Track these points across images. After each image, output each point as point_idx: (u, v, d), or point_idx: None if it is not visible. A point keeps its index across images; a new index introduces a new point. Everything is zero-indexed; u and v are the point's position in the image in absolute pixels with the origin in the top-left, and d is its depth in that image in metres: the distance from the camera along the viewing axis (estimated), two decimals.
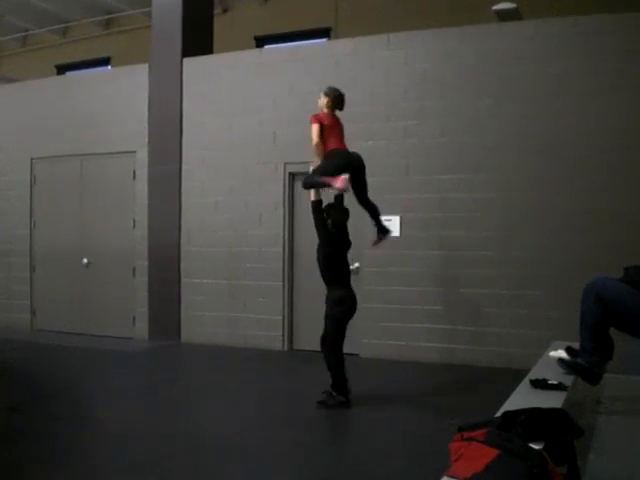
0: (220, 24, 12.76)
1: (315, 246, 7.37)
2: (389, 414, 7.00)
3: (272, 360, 9.85)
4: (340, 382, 7.12)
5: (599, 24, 8.74)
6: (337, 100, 7.43)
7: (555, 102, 8.90)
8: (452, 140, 9.37)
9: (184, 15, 11.20)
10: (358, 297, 9.62)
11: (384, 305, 9.66)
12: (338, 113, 7.47)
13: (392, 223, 9.45)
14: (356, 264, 9.81)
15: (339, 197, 7.45)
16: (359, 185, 7.38)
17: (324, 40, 14.68)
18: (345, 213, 7.35)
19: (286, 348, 10.37)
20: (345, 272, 7.32)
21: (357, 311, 9.65)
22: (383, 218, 7.78)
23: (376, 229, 7.71)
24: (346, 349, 9.30)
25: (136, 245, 11.52)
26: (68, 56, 18.25)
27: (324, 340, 7.28)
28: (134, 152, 11.55)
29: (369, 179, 9.40)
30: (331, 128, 7.32)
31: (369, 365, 9.36)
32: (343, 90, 7.43)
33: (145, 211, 11.42)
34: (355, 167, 7.27)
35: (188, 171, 11.15)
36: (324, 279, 7.31)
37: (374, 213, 7.60)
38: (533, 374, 5.01)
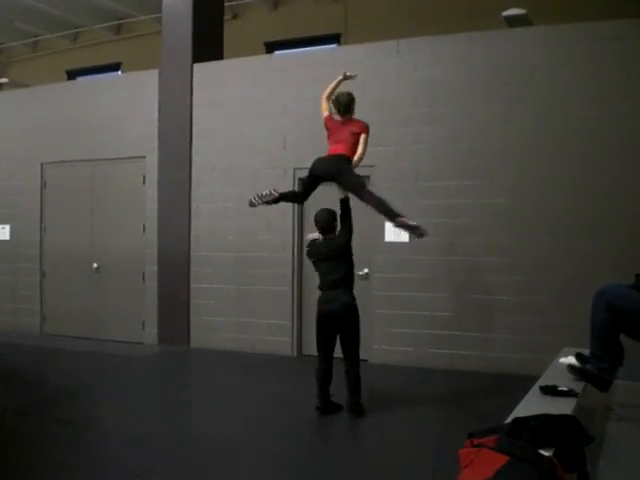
0: (230, 30, 12.79)
1: None
2: (397, 420, 6.99)
3: (281, 365, 9.85)
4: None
5: (608, 30, 8.73)
6: (334, 104, 7.42)
7: (564, 108, 8.89)
8: (461, 146, 9.36)
9: (194, 21, 11.23)
10: (368, 303, 9.67)
11: (393, 311, 9.65)
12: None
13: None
14: (365, 270, 9.83)
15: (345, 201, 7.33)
16: (341, 187, 7.27)
17: (334, 46, 14.71)
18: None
19: (295, 353, 10.37)
20: None
21: (367, 317, 9.68)
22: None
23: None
24: None
25: (146, 250, 11.54)
26: (78, 61, 18.33)
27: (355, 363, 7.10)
28: (144, 157, 11.57)
29: (380, 184, 9.44)
30: (330, 133, 7.35)
31: (378, 371, 9.34)
32: (353, 95, 7.40)
33: (155, 216, 11.45)
34: (319, 175, 7.25)
35: (198, 176, 11.17)
36: (349, 281, 7.15)
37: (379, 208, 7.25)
38: (543, 380, 5.00)
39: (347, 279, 7.14)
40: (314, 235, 7.46)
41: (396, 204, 9.01)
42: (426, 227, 9.36)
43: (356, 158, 7.15)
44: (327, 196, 7.62)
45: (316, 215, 7.44)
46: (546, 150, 8.96)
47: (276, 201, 7.37)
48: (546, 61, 9.01)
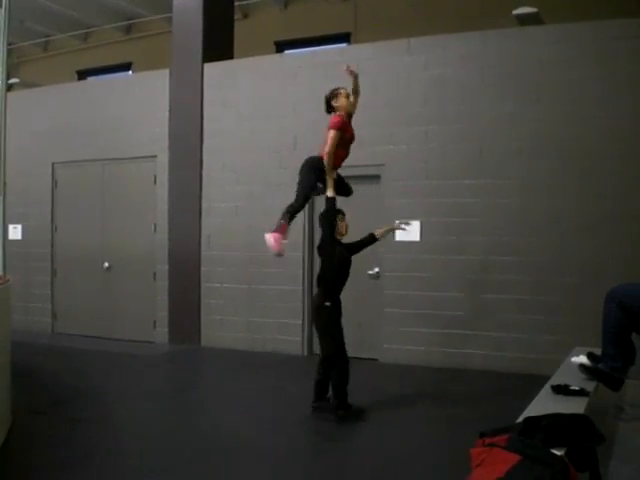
0: (240, 29, 12.81)
1: None
2: (407, 419, 6.99)
3: (291, 364, 9.85)
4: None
5: (619, 29, 8.69)
6: None
7: (575, 106, 8.86)
8: (472, 145, 9.35)
9: (205, 20, 11.26)
10: (378, 302, 9.67)
11: (404, 310, 9.64)
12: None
13: (412, 227, 9.44)
14: (376, 269, 9.84)
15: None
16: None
17: (344, 45, 14.69)
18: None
19: (305, 353, 10.37)
20: None
21: (377, 316, 9.67)
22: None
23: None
24: (365, 354, 9.32)
25: (157, 249, 11.57)
26: (89, 61, 18.35)
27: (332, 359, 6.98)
28: (155, 157, 11.61)
29: (390, 183, 9.47)
30: None
31: (388, 370, 9.36)
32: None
33: (166, 215, 11.48)
34: None
35: (208, 176, 11.19)
36: (335, 287, 7.04)
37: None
38: (555, 380, 4.99)
39: (320, 279, 7.06)
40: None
41: (406, 202, 9.08)
42: (436, 226, 9.43)
43: (324, 157, 7.00)
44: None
45: None
46: (556, 149, 8.93)
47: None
48: (557, 60, 8.99)
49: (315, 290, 7.26)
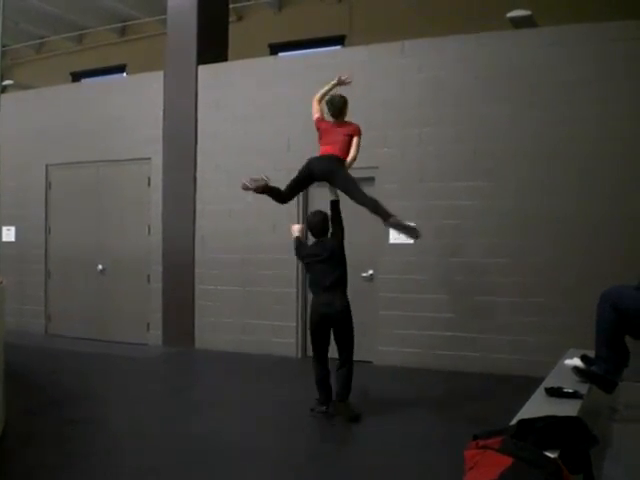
0: (235, 32, 12.79)
1: None
2: (403, 423, 6.97)
3: (286, 367, 9.84)
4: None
5: (613, 31, 8.71)
6: (327, 106, 7.45)
7: (570, 109, 8.87)
8: (466, 147, 9.35)
9: (199, 23, 11.25)
10: (372, 304, 9.66)
11: (398, 312, 9.63)
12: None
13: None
14: (370, 271, 9.83)
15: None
16: (334, 187, 7.30)
17: (338, 47, 14.70)
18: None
19: (300, 355, 10.36)
20: None
21: (371, 318, 9.66)
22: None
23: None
24: (359, 356, 9.29)
25: (151, 251, 11.54)
26: (83, 63, 18.34)
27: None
28: (149, 159, 11.59)
29: (385, 185, 9.46)
30: (322, 134, 7.38)
31: (382, 373, 9.34)
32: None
33: (160, 218, 11.46)
34: (314, 174, 7.30)
35: (203, 178, 11.18)
36: (343, 283, 7.15)
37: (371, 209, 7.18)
38: (548, 382, 4.98)
39: (342, 281, 7.12)
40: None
41: (400, 204, 9.05)
42: (430, 228, 9.41)
43: (349, 160, 7.19)
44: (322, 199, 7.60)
45: (308, 217, 7.50)
46: (551, 151, 8.94)
47: (263, 191, 7.41)
48: (551, 62, 9.00)
49: (314, 293, 7.23)
